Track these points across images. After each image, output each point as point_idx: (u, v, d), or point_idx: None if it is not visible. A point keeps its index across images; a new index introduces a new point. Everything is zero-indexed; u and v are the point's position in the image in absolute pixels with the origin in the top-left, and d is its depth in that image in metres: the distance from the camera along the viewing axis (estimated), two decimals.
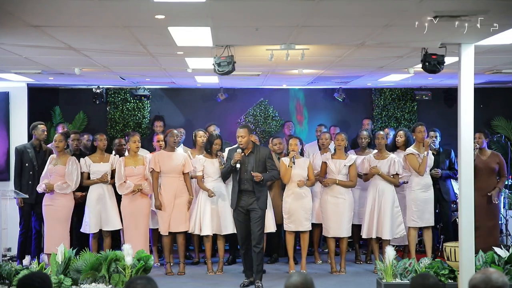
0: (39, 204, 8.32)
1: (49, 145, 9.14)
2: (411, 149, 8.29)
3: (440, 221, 8.89)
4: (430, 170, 8.35)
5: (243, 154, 7.43)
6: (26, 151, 8.64)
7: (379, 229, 8.14)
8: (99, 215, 8.21)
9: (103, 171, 8.24)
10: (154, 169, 8.12)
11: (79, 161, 8.24)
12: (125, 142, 8.89)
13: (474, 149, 7.93)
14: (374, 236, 8.20)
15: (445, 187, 8.72)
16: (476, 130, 8.29)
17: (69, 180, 8.09)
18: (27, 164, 8.60)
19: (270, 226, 8.13)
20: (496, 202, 8.22)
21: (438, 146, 8.80)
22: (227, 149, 8.49)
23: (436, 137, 8.73)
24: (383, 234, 8.11)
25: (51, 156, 8.29)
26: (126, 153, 8.67)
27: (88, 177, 8.28)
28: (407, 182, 8.38)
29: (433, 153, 8.54)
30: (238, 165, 7.39)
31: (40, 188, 8.12)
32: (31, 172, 8.56)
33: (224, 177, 7.88)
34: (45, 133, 8.79)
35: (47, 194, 8.11)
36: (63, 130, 9.54)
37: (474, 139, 8.07)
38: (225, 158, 8.06)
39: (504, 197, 9.79)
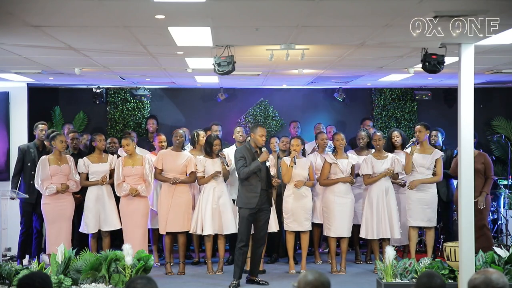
0: (40, 204, 8.32)
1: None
2: (406, 150, 8.31)
3: (440, 221, 8.90)
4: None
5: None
6: (29, 151, 8.63)
7: (391, 230, 8.10)
8: (98, 215, 8.20)
9: (102, 171, 8.22)
10: (156, 166, 8.15)
11: (77, 162, 8.26)
12: (118, 141, 8.96)
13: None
14: (378, 237, 8.16)
15: (444, 187, 8.71)
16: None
17: (76, 178, 8.16)
18: (29, 164, 8.58)
19: (271, 226, 8.12)
20: (482, 208, 8.06)
21: (441, 145, 8.80)
22: (225, 150, 8.51)
23: (436, 135, 8.77)
24: (394, 234, 8.11)
25: (46, 157, 8.11)
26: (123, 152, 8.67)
27: (87, 178, 8.27)
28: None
29: None
30: (268, 163, 7.47)
31: (49, 190, 7.95)
32: (32, 172, 8.54)
33: (246, 175, 7.42)
34: (44, 132, 8.75)
35: (45, 194, 8.06)
36: (68, 130, 9.57)
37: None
38: (227, 159, 8.08)
39: (504, 197, 9.80)
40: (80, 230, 8.33)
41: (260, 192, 7.41)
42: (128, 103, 11.53)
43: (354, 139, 9.40)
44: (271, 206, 7.67)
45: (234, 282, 7.46)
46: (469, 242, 6.50)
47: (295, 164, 7.97)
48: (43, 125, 8.78)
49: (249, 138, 8.45)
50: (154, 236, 8.73)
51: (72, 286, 6.91)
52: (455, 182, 8.73)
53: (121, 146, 8.81)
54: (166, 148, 8.52)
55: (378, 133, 8.39)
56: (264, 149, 7.45)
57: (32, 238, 8.71)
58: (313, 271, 3.37)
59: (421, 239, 8.96)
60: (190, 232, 8.25)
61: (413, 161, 8.11)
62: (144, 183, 8.09)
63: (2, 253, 8.22)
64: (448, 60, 6.77)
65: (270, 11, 5.16)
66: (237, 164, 7.46)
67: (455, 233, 8.26)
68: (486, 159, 8.26)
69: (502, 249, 7.03)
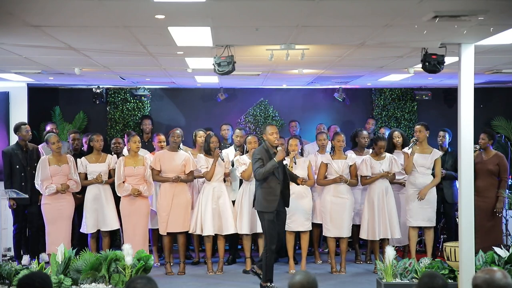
0: (34, 204, 8.32)
1: (40, 146, 9.09)
2: (406, 150, 8.31)
3: (441, 221, 8.89)
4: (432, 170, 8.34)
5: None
6: (15, 153, 8.56)
7: (391, 230, 8.14)
8: (96, 215, 8.19)
9: (99, 171, 8.22)
10: (154, 167, 8.14)
11: (76, 161, 8.27)
12: (123, 142, 8.93)
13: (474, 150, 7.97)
14: (379, 238, 8.19)
15: (449, 188, 8.70)
16: (480, 130, 8.32)
17: (76, 178, 8.14)
18: (17, 166, 8.53)
19: None
20: (500, 215, 8.12)
21: (447, 146, 8.80)
22: (225, 151, 8.50)
23: (444, 136, 8.77)
24: (394, 234, 8.15)
25: (46, 157, 8.15)
26: (126, 152, 8.67)
27: (85, 178, 8.27)
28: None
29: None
30: (285, 162, 7.29)
31: (49, 190, 7.97)
32: (22, 174, 8.51)
33: (263, 176, 7.08)
34: (30, 133, 8.68)
35: (45, 194, 8.05)
36: (51, 131, 9.46)
37: (479, 139, 8.12)
38: (225, 160, 8.08)
39: (504, 197, 9.78)
40: (81, 230, 8.34)
41: (279, 194, 7.18)
42: (128, 103, 11.52)
43: (353, 138, 9.38)
44: (287, 206, 7.36)
45: (273, 285, 7.21)
46: (469, 242, 6.50)
47: (295, 164, 7.96)
48: (26, 126, 8.68)
49: (249, 137, 8.45)
50: (154, 236, 8.73)
51: (72, 286, 6.91)
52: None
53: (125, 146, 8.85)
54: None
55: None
56: (279, 148, 7.17)
57: (27, 238, 8.69)
58: (300, 272, 3.44)
59: (421, 239, 8.96)
60: (190, 232, 8.26)
61: (414, 161, 8.12)
62: (145, 183, 8.09)
63: (2, 253, 8.21)
64: (448, 60, 6.76)
65: (270, 11, 5.16)
66: (254, 166, 7.18)
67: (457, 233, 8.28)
68: (502, 161, 8.17)
69: (502, 249, 7.03)
